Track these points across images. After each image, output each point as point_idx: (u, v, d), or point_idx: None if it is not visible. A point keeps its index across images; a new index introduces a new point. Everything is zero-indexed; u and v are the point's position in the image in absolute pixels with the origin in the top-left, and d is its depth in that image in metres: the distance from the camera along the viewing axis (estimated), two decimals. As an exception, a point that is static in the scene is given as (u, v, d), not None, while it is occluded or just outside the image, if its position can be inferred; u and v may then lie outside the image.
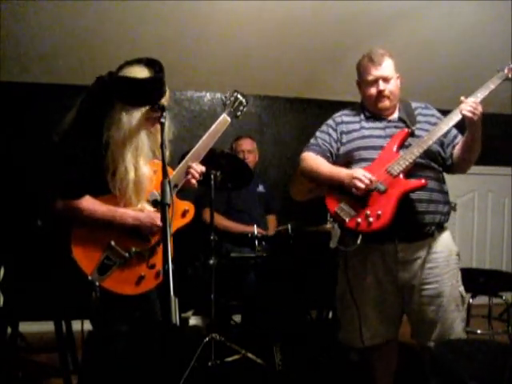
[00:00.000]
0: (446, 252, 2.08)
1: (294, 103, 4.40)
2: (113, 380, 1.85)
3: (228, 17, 3.31)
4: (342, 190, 2.06)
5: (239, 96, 2.19)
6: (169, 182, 1.43)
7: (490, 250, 5.03)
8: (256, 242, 3.03)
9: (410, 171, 2.01)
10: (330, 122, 2.27)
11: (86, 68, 3.55)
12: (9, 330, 2.61)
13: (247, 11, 3.27)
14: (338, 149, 2.20)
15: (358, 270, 2.13)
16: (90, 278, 1.71)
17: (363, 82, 2.15)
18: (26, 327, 2.92)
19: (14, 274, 2.61)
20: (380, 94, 2.09)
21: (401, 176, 1.99)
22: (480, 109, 1.91)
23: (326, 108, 4.38)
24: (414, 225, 2.02)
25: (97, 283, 1.72)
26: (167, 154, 1.62)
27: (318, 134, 2.27)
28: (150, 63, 1.77)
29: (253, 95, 4.28)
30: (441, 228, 2.09)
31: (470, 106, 1.90)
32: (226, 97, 2.18)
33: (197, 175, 1.97)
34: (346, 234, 2.03)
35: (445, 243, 2.09)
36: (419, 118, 2.14)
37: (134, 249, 1.80)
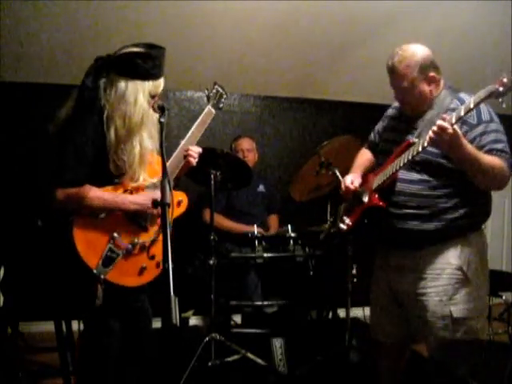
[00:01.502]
0: (439, 265, 1.91)
1: (294, 103, 4.39)
2: (113, 380, 1.86)
3: (228, 17, 3.31)
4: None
5: (219, 89, 2.28)
6: (169, 182, 1.43)
7: (490, 250, 4.98)
8: (256, 242, 3.03)
9: (393, 186, 1.92)
10: (386, 112, 2.21)
11: (85, 68, 3.54)
12: (9, 330, 2.61)
13: (247, 11, 3.27)
14: (379, 141, 2.19)
15: (375, 271, 2.19)
16: (94, 271, 1.72)
17: None
18: (26, 327, 2.93)
19: (14, 273, 2.61)
20: (400, 102, 2.01)
21: (377, 191, 1.97)
22: (446, 136, 1.65)
23: (326, 108, 4.39)
24: (396, 238, 1.97)
25: (102, 276, 1.72)
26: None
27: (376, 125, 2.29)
28: (148, 45, 1.82)
29: (253, 95, 4.28)
30: (441, 241, 1.92)
31: (433, 130, 1.68)
32: (207, 90, 2.28)
33: (195, 154, 2.03)
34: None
35: (441, 256, 1.92)
36: None
37: (136, 239, 1.82)
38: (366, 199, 2.01)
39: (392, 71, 1.91)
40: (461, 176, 1.84)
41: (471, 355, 1.93)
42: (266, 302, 3.00)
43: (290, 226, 3.12)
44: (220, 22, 3.36)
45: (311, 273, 3.08)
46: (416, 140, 1.87)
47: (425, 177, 1.89)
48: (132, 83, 1.75)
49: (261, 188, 3.68)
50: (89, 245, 1.73)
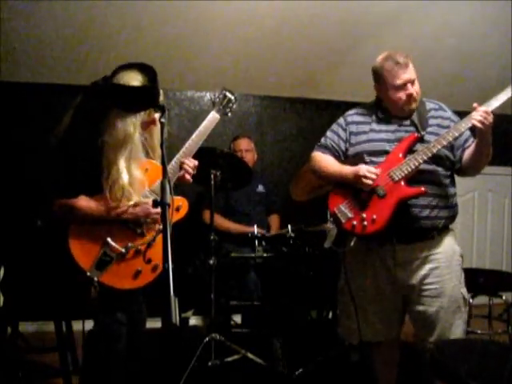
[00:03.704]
0: (448, 252, 2.07)
1: (294, 103, 4.39)
2: (113, 380, 1.86)
3: (228, 17, 3.31)
4: (347, 189, 2.08)
5: (228, 94, 2.21)
6: (168, 182, 1.43)
7: (490, 249, 5.03)
8: (256, 242, 3.03)
9: (413, 177, 1.99)
10: (340, 120, 2.23)
11: (86, 68, 3.55)
12: (9, 330, 2.61)
13: (247, 11, 3.27)
14: (347, 149, 2.18)
15: (356, 269, 2.15)
16: (88, 273, 1.75)
17: (390, 87, 2.04)
18: (25, 327, 2.92)
19: (14, 274, 2.62)
20: (410, 98, 2.03)
21: (402, 182, 1.99)
22: (490, 119, 1.88)
23: (326, 108, 4.39)
24: (413, 229, 2.02)
25: (96, 279, 1.75)
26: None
27: (328, 133, 2.25)
28: (143, 69, 1.80)
29: (253, 95, 4.28)
30: (443, 231, 2.08)
31: (481, 115, 1.87)
32: (214, 95, 2.23)
33: (190, 170, 2.02)
34: (341, 235, 2.07)
35: (447, 244, 2.08)
36: (431, 121, 2.09)
37: (130, 244, 1.84)
38: (400, 191, 1.98)
39: (407, 64, 2.01)
40: (453, 166, 2.10)
41: (471, 355, 1.93)
42: (265, 302, 2.99)
43: (289, 226, 3.12)
44: (220, 22, 3.36)
45: (311, 273, 3.08)
46: (423, 133, 2.03)
47: (434, 167, 2.04)
48: (124, 116, 1.76)
49: (260, 188, 3.68)
50: (83, 248, 1.78)
